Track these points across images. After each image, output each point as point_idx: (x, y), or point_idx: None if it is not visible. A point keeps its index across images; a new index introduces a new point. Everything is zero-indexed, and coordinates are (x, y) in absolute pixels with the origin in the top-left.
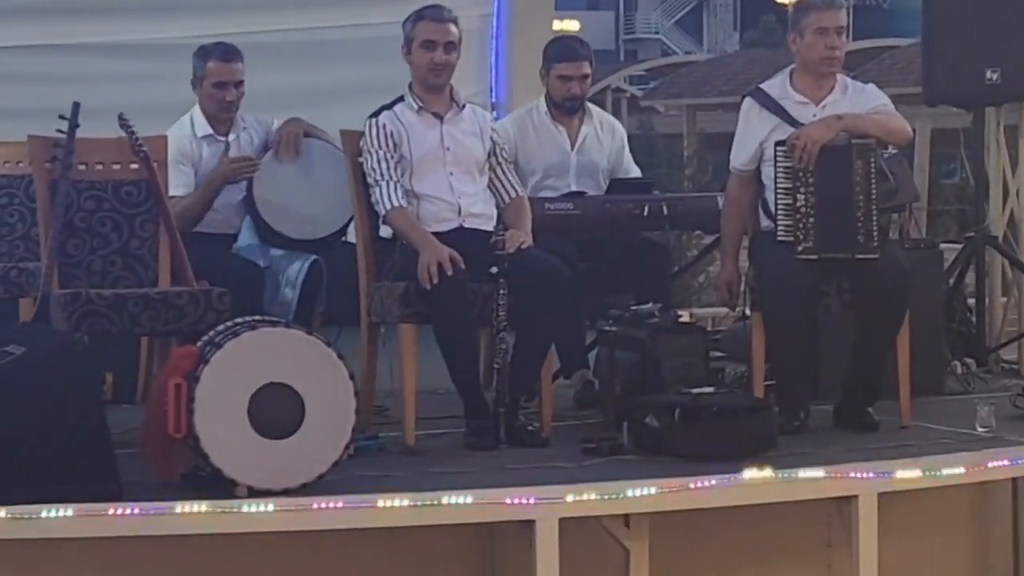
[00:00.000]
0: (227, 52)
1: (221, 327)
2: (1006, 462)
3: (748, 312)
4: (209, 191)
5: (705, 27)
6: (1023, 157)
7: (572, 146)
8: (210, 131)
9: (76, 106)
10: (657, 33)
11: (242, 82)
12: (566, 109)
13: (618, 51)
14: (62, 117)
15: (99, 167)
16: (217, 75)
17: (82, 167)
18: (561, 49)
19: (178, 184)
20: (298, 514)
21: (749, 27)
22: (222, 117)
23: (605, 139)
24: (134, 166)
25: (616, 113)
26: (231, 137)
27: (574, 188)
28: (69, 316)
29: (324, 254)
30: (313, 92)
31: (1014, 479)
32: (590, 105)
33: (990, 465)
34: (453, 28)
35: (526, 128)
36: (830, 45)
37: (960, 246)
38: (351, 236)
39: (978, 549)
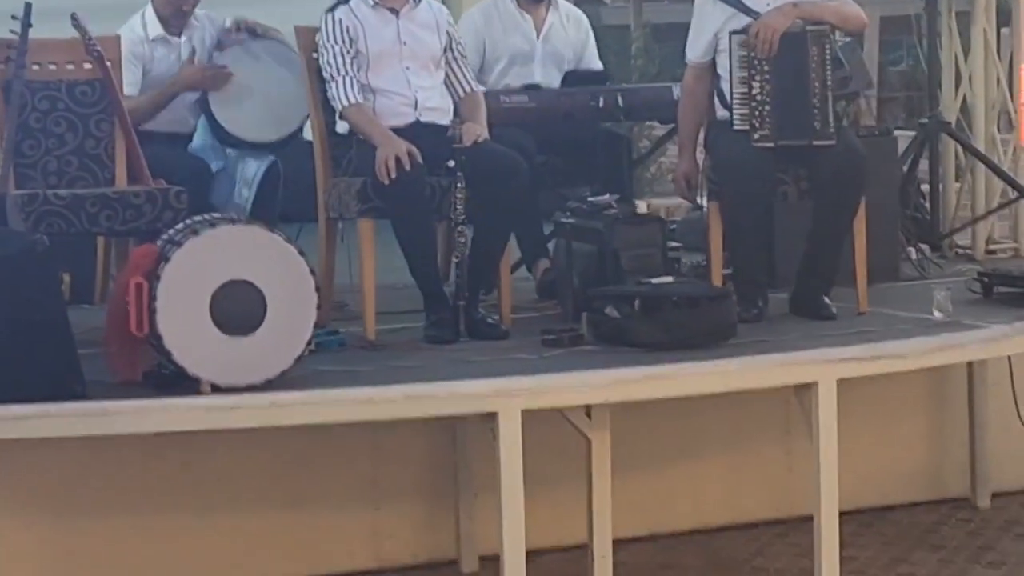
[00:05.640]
0: None
1: (180, 225)
2: (964, 346)
3: (704, 202)
4: (167, 95)
5: None
6: (975, 43)
7: (538, 35)
8: (162, 32)
9: (28, 7)
10: None
11: None
12: None
13: None
14: (14, 18)
15: (52, 67)
16: None
17: (36, 67)
18: None
19: (125, 84)
20: (262, 410)
21: None
22: (176, 21)
23: (571, 29)
24: (88, 66)
25: None
26: (183, 39)
27: (538, 77)
28: (27, 217)
29: (281, 153)
30: None
31: (969, 363)
32: None
33: (946, 349)
34: None
35: (492, 17)
36: None
37: (911, 133)
38: (308, 133)
39: (934, 433)
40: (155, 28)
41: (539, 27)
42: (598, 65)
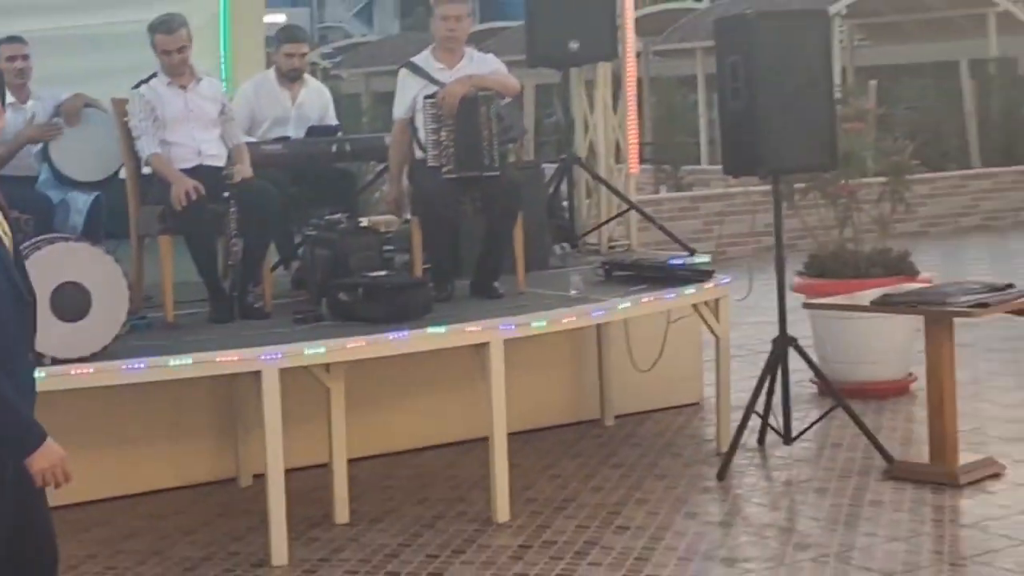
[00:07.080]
0: (12, 38)
1: (27, 244)
2: (593, 313)
3: (409, 218)
4: (16, 147)
5: (375, 16)
6: (597, 102)
7: (293, 103)
8: (12, 99)
9: None
10: (341, 22)
11: (28, 56)
12: (290, 78)
13: (314, 35)
14: None
15: None
16: (8, 52)
17: None
18: (287, 33)
19: None
20: (91, 375)
21: (407, 15)
22: (17, 83)
23: (316, 99)
24: None
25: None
26: (30, 103)
27: (292, 133)
28: None
29: (105, 190)
30: (94, 71)
31: (598, 326)
32: (307, 75)
33: (581, 316)
34: (183, 32)
35: (260, 89)
36: (450, 28)
37: (556, 165)
38: (123, 174)
39: (575, 374)
40: (8, 97)
41: (294, 98)
42: (335, 121)
